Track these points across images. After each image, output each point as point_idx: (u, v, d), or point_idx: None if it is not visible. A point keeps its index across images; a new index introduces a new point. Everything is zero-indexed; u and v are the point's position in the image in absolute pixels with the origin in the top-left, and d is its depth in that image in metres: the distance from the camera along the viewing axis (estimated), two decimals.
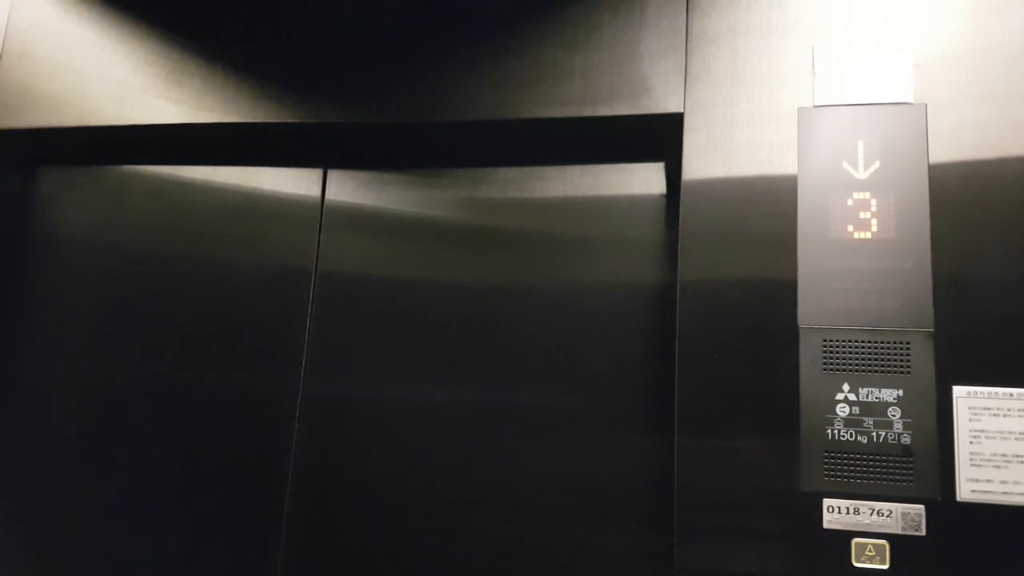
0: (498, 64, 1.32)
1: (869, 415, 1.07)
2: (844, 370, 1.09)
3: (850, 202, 1.13)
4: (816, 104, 1.17)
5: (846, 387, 1.08)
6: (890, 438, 1.06)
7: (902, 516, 1.03)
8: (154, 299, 1.54)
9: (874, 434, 1.06)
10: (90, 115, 1.49)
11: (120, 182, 1.60)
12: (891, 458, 1.05)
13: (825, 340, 1.10)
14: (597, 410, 1.31)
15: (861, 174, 1.13)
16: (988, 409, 1.04)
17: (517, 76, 1.31)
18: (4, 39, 1.56)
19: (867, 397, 1.07)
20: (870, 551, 1.03)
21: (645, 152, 1.36)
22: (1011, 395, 1.03)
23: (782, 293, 1.12)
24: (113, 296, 1.56)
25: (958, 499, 1.03)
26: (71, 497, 1.51)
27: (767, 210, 1.15)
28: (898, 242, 1.10)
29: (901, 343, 1.08)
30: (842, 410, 1.08)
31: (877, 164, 1.13)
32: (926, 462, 1.04)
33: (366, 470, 1.39)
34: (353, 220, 1.48)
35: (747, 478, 1.09)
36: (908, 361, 1.07)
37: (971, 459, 1.03)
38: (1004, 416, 1.03)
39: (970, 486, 1.03)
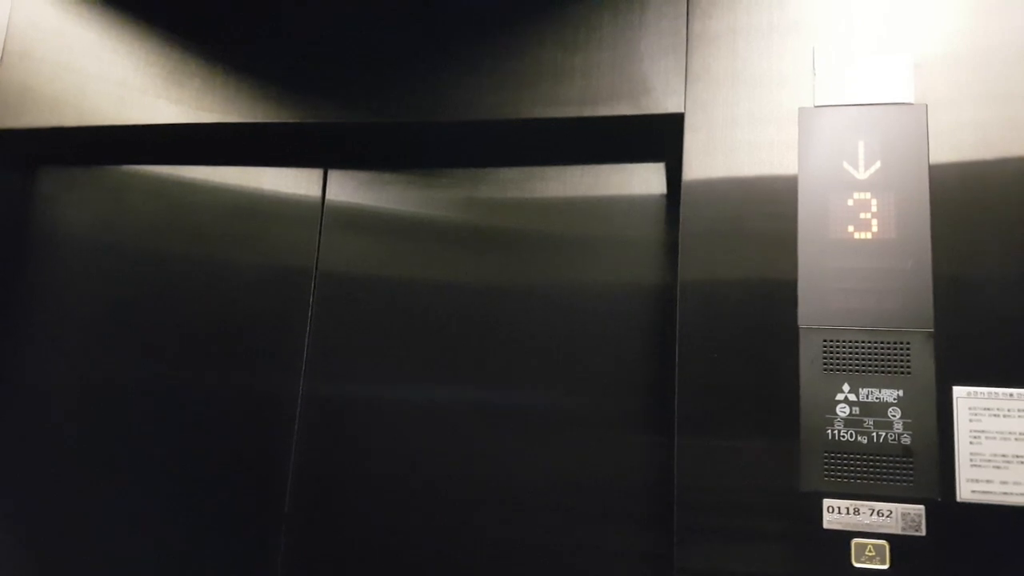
0: (498, 64, 1.32)
1: (869, 415, 1.07)
2: (844, 370, 1.09)
3: (850, 202, 1.13)
4: (816, 104, 1.17)
5: (846, 387, 1.08)
6: (890, 438, 1.06)
7: (902, 516, 1.03)
8: (154, 299, 1.54)
9: (874, 434, 1.06)
10: (90, 115, 1.49)
11: (120, 182, 1.60)
12: (891, 458, 1.05)
13: (825, 340, 1.10)
14: (597, 410, 1.31)
15: (861, 174, 1.13)
16: (988, 409, 1.04)
17: (517, 76, 1.31)
18: (4, 39, 1.56)
19: (867, 397, 1.07)
20: (870, 551, 1.03)
21: (645, 152, 1.36)
22: (1011, 395, 1.03)
23: (782, 293, 1.12)
24: (113, 296, 1.56)
25: (958, 499, 1.03)
26: (71, 497, 1.51)
27: (767, 210, 1.15)
28: (898, 242, 1.10)
29: (901, 343, 1.08)
30: (842, 410, 1.08)
31: (877, 164, 1.13)
32: (926, 462, 1.04)
33: (366, 470, 1.39)
34: (353, 220, 1.48)
35: (747, 478, 1.09)
36: (908, 361, 1.07)
37: (971, 459, 1.03)
38: (1004, 416, 1.03)
39: (970, 486, 1.03)
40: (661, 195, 1.35)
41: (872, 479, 1.05)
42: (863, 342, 1.09)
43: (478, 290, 1.40)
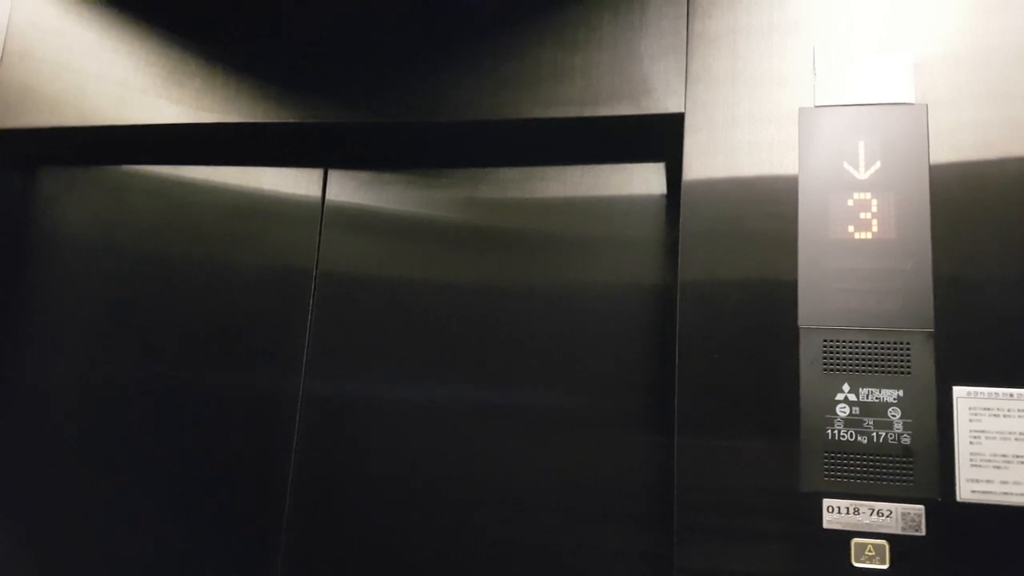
0: (498, 64, 1.32)
1: (869, 415, 1.07)
2: (844, 370, 1.09)
3: (851, 202, 1.13)
4: (817, 104, 1.17)
5: (846, 387, 1.08)
6: (890, 438, 1.06)
7: (902, 516, 1.03)
8: (154, 299, 1.54)
9: (874, 434, 1.06)
10: (90, 115, 1.49)
11: (120, 182, 1.60)
12: (891, 458, 1.05)
13: (825, 340, 1.10)
14: (597, 410, 1.31)
15: (862, 174, 1.13)
16: (988, 409, 1.04)
17: (517, 76, 1.31)
18: (5, 39, 1.56)
19: (867, 397, 1.07)
20: (870, 551, 1.03)
21: (645, 152, 1.36)
22: (1011, 395, 1.03)
23: (782, 293, 1.12)
24: (113, 296, 1.56)
25: (958, 499, 1.03)
26: (71, 497, 1.51)
27: (768, 210, 1.15)
28: (898, 242, 1.10)
29: (901, 343, 1.08)
30: (842, 410, 1.08)
31: (878, 164, 1.13)
32: (926, 462, 1.04)
33: (366, 470, 1.39)
34: (353, 220, 1.48)
35: (747, 478, 1.09)
36: (908, 361, 1.07)
37: (971, 459, 1.03)
38: (1004, 416, 1.03)
39: (970, 486, 1.03)
40: (661, 195, 1.35)
41: (872, 479, 1.05)
42: (863, 342, 1.09)
43: (478, 290, 1.40)
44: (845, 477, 1.06)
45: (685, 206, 1.18)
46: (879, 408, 1.07)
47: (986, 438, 1.03)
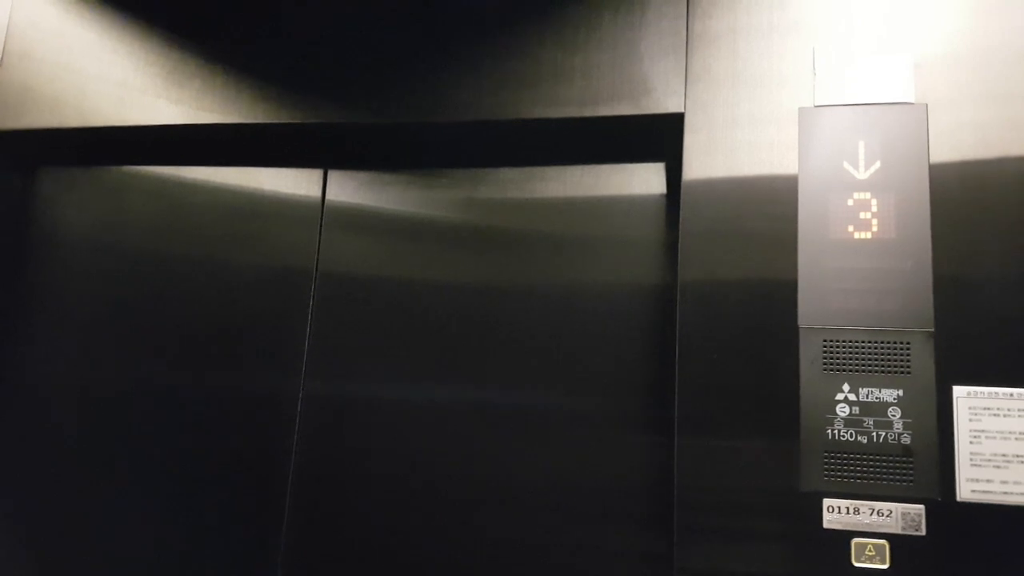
0: (498, 64, 1.32)
1: (869, 415, 1.07)
2: (844, 370, 1.09)
3: (850, 202, 1.13)
4: (817, 104, 1.17)
5: (846, 387, 1.08)
6: (890, 438, 1.06)
7: (902, 516, 1.03)
8: (154, 299, 1.54)
9: (874, 434, 1.06)
10: (90, 116, 1.49)
11: (120, 183, 1.60)
12: (891, 458, 1.05)
13: (825, 340, 1.10)
14: (597, 410, 1.31)
15: (861, 174, 1.13)
16: (988, 409, 1.04)
17: (517, 76, 1.31)
18: (5, 40, 1.56)
19: (867, 397, 1.07)
20: (870, 551, 1.03)
21: (645, 152, 1.36)
22: (1011, 395, 1.03)
23: (782, 293, 1.12)
24: (113, 296, 1.56)
25: (958, 499, 1.03)
26: (71, 497, 1.51)
27: (767, 210, 1.15)
28: (898, 242, 1.10)
29: (901, 343, 1.08)
30: (842, 410, 1.08)
31: (878, 164, 1.13)
32: (926, 462, 1.04)
33: (366, 470, 1.39)
34: (353, 220, 1.49)
35: (747, 478, 1.09)
36: (908, 361, 1.07)
37: (971, 459, 1.03)
38: (1004, 416, 1.03)
39: (970, 486, 1.03)
40: (661, 195, 1.35)
41: (872, 479, 1.05)
42: (863, 342, 1.09)
43: (478, 290, 1.40)
44: (845, 477, 1.06)
45: (685, 206, 1.18)
46: (879, 408, 1.07)
47: (986, 438, 1.03)
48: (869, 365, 1.08)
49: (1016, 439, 1.03)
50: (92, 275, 1.58)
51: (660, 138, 1.27)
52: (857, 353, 1.09)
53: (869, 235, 1.11)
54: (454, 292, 1.41)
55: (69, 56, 1.53)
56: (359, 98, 1.37)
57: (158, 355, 1.52)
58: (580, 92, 1.28)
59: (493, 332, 1.38)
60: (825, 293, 1.11)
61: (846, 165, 1.14)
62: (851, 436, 1.07)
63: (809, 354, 1.10)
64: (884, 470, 1.05)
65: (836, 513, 1.05)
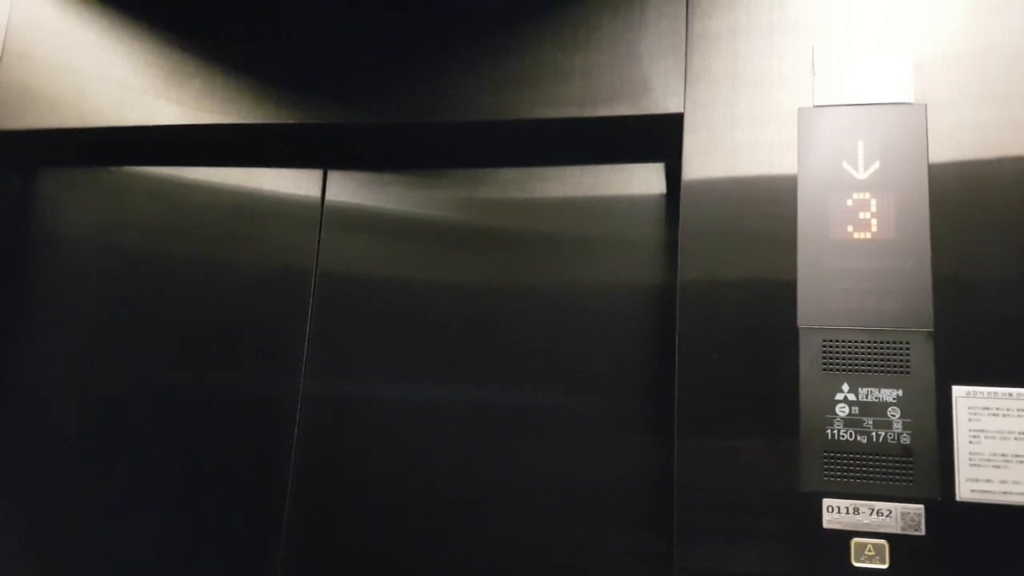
0: (498, 64, 1.32)
1: (869, 415, 1.07)
2: (844, 370, 1.09)
3: (850, 202, 1.13)
4: (816, 104, 1.17)
5: (846, 387, 1.08)
6: (890, 438, 1.06)
7: (902, 516, 1.03)
8: (154, 300, 1.54)
9: (874, 434, 1.06)
10: (90, 116, 1.49)
11: (120, 183, 1.60)
12: (891, 458, 1.05)
13: (825, 340, 1.10)
14: (597, 410, 1.31)
15: (861, 174, 1.13)
16: (987, 409, 1.04)
17: (517, 76, 1.31)
18: (4, 40, 1.56)
19: (867, 397, 1.07)
20: (870, 551, 1.03)
21: (645, 152, 1.36)
22: (1010, 395, 1.03)
23: (782, 293, 1.12)
24: (113, 296, 1.56)
25: (957, 499, 1.03)
26: (71, 497, 1.51)
27: (767, 210, 1.15)
28: (898, 242, 1.10)
29: (901, 343, 1.08)
30: (842, 410, 1.08)
31: (877, 164, 1.13)
32: (925, 462, 1.04)
33: (366, 470, 1.39)
34: (353, 221, 1.49)
35: (747, 478, 1.09)
36: (908, 361, 1.07)
37: (970, 459, 1.03)
38: (1004, 416, 1.03)
39: (969, 486, 1.03)
40: (661, 195, 1.35)
41: (872, 479, 1.05)
42: (862, 342, 1.09)
43: (478, 290, 1.41)
44: (845, 477, 1.06)
45: (685, 206, 1.18)
46: (878, 408, 1.07)
47: (985, 437, 1.03)
48: (869, 365, 1.08)
49: (1015, 439, 1.03)
50: (92, 275, 1.58)
51: (660, 138, 1.27)
52: (857, 353, 1.09)
53: (868, 235, 1.11)
54: (454, 292, 1.41)
55: (69, 56, 1.53)
56: (359, 98, 1.37)
57: (158, 355, 1.52)
58: (580, 92, 1.28)
59: (493, 332, 1.38)
60: (825, 293, 1.11)
61: (845, 165, 1.14)
62: (851, 436, 1.07)
63: (809, 354, 1.10)
64: (884, 470, 1.05)
65: (836, 513, 1.05)
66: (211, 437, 1.47)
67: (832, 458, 1.07)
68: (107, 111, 1.49)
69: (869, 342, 1.09)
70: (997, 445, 1.03)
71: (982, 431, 1.03)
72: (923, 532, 1.03)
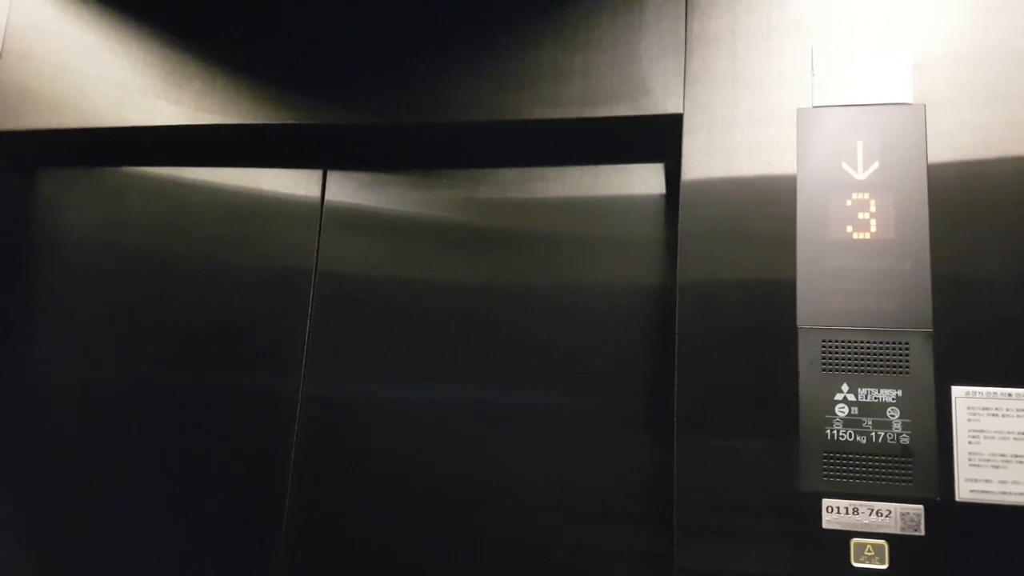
0: (498, 64, 1.32)
1: (868, 415, 1.07)
2: (843, 370, 1.09)
3: (849, 202, 1.13)
4: (815, 105, 1.17)
5: (845, 387, 1.08)
6: (889, 438, 1.06)
7: (901, 516, 1.04)
8: (154, 300, 1.54)
9: (873, 434, 1.06)
10: (90, 116, 1.49)
11: (120, 183, 1.60)
12: (890, 458, 1.05)
13: (824, 340, 1.10)
14: (597, 410, 1.31)
15: (860, 175, 1.13)
16: (987, 409, 1.04)
17: (517, 76, 1.31)
18: (3, 40, 1.56)
19: (866, 397, 1.08)
20: (869, 551, 1.04)
21: (645, 153, 1.36)
22: (1010, 395, 1.04)
23: (781, 293, 1.13)
24: (113, 297, 1.56)
25: (957, 499, 1.03)
26: (71, 497, 1.51)
27: (766, 210, 1.15)
28: (897, 242, 1.10)
29: (900, 343, 1.08)
30: (841, 410, 1.08)
31: (876, 165, 1.13)
32: (925, 462, 1.04)
33: (366, 470, 1.39)
34: (353, 221, 1.49)
35: (747, 478, 1.09)
36: (907, 361, 1.07)
37: (970, 459, 1.03)
38: (1003, 416, 1.03)
39: (969, 486, 1.03)
40: (660, 195, 1.35)
41: (871, 479, 1.05)
42: (862, 342, 1.09)
43: (478, 290, 1.41)
44: (844, 477, 1.06)
45: (684, 206, 1.19)
46: (878, 408, 1.07)
47: (985, 438, 1.03)
48: (868, 365, 1.08)
49: (1015, 439, 1.03)
50: (92, 275, 1.58)
51: (659, 138, 1.27)
52: (856, 353, 1.09)
53: (868, 235, 1.11)
54: (454, 292, 1.41)
55: (68, 56, 1.53)
56: (359, 98, 1.38)
57: (158, 355, 1.52)
58: (579, 92, 1.28)
59: (493, 332, 1.38)
60: (824, 293, 1.11)
61: (845, 165, 1.14)
62: (850, 436, 1.07)
63: (808, 354, 1.10)
64: (883, 470, 1.05)
65: (835, 513, 1.05)
66: (211, 437, 1.47)
67: (832, 458, 1.07)
68: (107, 111, 1.49)
69: (868, 342, 1.09)
70: (996, 445, 1.03)
71: (981, 431, 1.04)
72: (922, 532, 1.03)
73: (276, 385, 1.45)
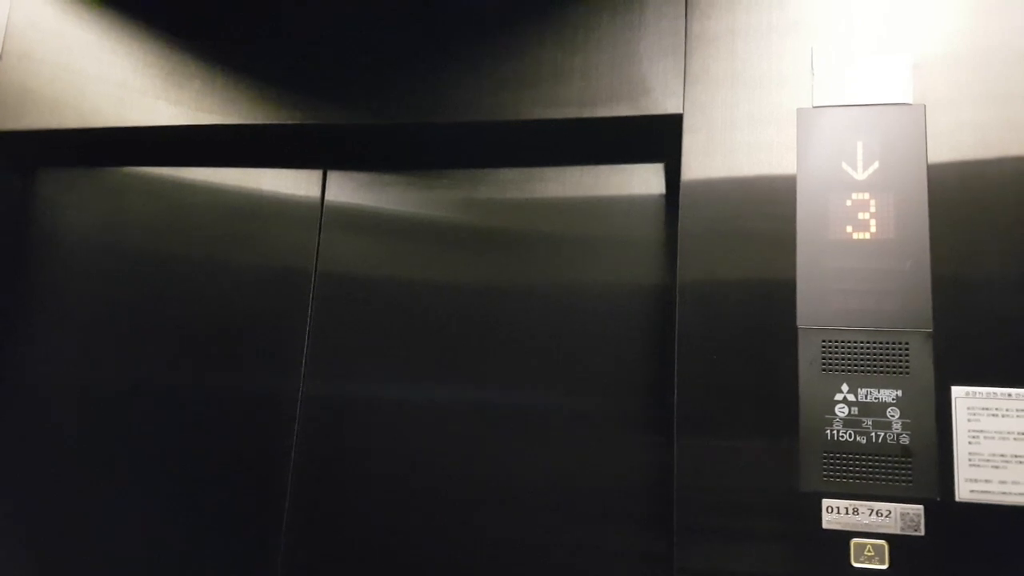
0: (498, 64, 1.33)
1: (868, 415, 1.07)
2: (843, 370, 1.09)
3: (849, 203, 1.13)
4: (815, 105, 1.17)
5: (845, 387, 1.08)
6: (889, 438, 1.06)
7: (901, 516, 1.04)
8: (155, 300, 1.54)
9: (873, 434, 1.06)
10: (90, 116, 1.49)
11: (120, 184, 1.60)
12: (890, 458, 1.06)
13: (824, 341, 1.10)
14: (597, 410, 1.31)
15: (860, 175, 1.13)
16: (987, 409, 1.04)
17: (517, 77, 1.31)
18: (4, 40, 1.56)
19: (866, 397, 1.08)
20: (869, 551, 1.04)
21: (644, 153, 1.36)
22: (1010, 395, 1.04)
23: (781, 293, 1.13)
24: (113, 297, 1.56)
25: (957, 499, 1.03)
26: (71, 497, 1.51)
27: (766, 211, 1.15)
28: (897, 243, 1.10)
29: (900, 343, 1.08)
30: (841, 410, 1.08)
31: (876, 165, 1.13)
32: (925, 462, 1.04)
33: (366, 470, 1.39)
34: (353, 221, 1.49)
35: (746, 478, 1.09)
36: (907, 361, 1.07)
37: (970, 459, 1.03)
38: (1003, 416, 1.03)
39: (969, 486, 1.03)
40: (660, 195, 1.35)
41: (871, 479, 1.06)
42: (862, 342, 1.09)
43: (478, 290, 1.41)
44: (844, 477, 1.06)
45: (684, 206, 1.19)
46: (878, 408, 1.07)
47: (984, 438, 1.03)
48: (868, 365, 1.08)
49: (1015, 439, 1.03)
50: (92, 275, 1.58)
51: (659, 139, 1.27)
52: (856, 353, 1.09)
53: (868, 235, 1.11)
54: (454, 292, 1.41)
55: (69, 56, 1.53)
56: (359, 98, 1.38)
57: (158, 355, 1.52)
58: (579, 93, 1.28)
59: (493, 332, 1.38)
60: (824, 293, 1.11)
61: (844, 166, 1.14)
62: (850, 436, 1.07)
63: (808, 354, 1.10)
64: (883, 470, 1.05)
65: (835, 513, 1.05)
66: (211, 437, 1.47)
67: (832, 458, 1.07)
68: (107, 112, 1.49)
69: (868, 342, 1.09)
70: (996, 445, 1.03)
71: (981, 431, 1.04)
72: (922, 532, 1.03)
73: (276, 385, 1.45)
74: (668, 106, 1.23)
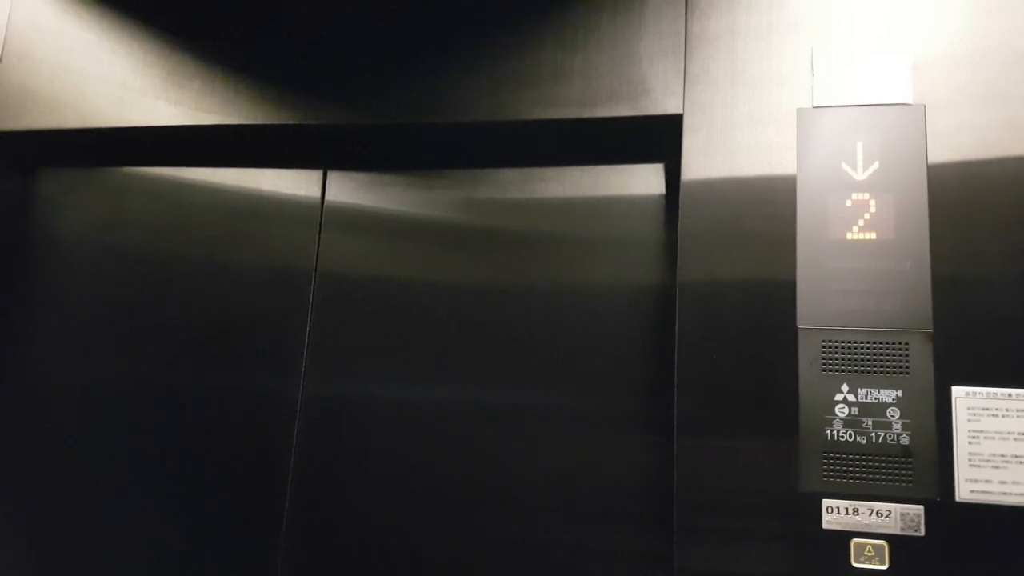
0: (498, 64, 1.33)
1: (868, 416, 1.07)
2: (843, 371, 1.09)
3: (849, 203, 1.13)
4: (815, 105, 1.17)
5: (845, 388, 1.08)
6: (889, 439, 1.06)
7: (901, 516, 1.04)
8: (155, 300, 1.54)
9: (873, 435, 1.06)
10: (90, 117, 1.49)
11: (120, 184, 1.60)
12: (890, 458, 1.06)
13: (824, 341, 1.10)
14: (597, 410, 1.31)
15: (860, 175, 1.13)
16: (987, 409, 1.04)
17: (517, 77, 1.31)
18: (4, 40, 1.56)
19: (866, 398, 1.08)
20: (869, 551, 1.04)
21: (644, 153, 1.36)
22: (1010, 395, 1.04)
23: (781, 294, 1.13)
24: (113, 297, 1.56)
25: (957, 499, 1.03)
26: (71, 497, 1.51)
27: (766, 211, 1.15)
28: (897, 243, 1.10)
29: (900, 344, 1.08)
30: (841, 411, 1.08)
31: (876, 165, 1.13)
32: (925, 462, 1.04)
33: (366, 470, 1.39)
34: (353, 221, 1.49)
35: (746, 479, 1.09)
36: (907, 362, 1.07)
37: (970, 459, 1.03)
38: (1003, 416, 1.03)
39: (969, 486, 1.03)
40: (660, 196, 1.35)
41: (871, 479, 1.05)
42: (862, 343, 1.09)
43: (478, 290, 1.41)
44: (844, 477, 1.06)
45: (684, 207, 1.19)
46: (878, 408, 1.07)
47: (985, 438, 1.03)
48: (868, 366, 1.08)
49: (1015, 439, 1.03)
50: (92, 275, 1.58)
51: (659, 139, 1.27)
52: (856, 354, 1.09)
53: (867, 236, 1.11)
54: (454, 292, 1.41)
55: (69, 57, 1.53)
56: (359, 98, 1.38)
57: (158, 355, 1.52)
58: (579, 93, 1.28)
59: (493, 332, 1.38)
60: (824, 294, 1.11)
61: (844, 166, 1.14)
62: (850, 437, 1.07)
63: (808, 355, 1.10)
64: (883, 471, 1.05)
65: (835, 514, 1.05)
66: (211, 437, 1.47)
67: (831, 459, 1.07)
68: (107, 112, 1.49)
69: (868, 343, 1.09)
70: (996, 446, 1.03)
71: (981, 432, 1.04)
72: (922, 533, 1.03)
73: (276, 385, 1.45)
74: (668, 106, 1.23)
